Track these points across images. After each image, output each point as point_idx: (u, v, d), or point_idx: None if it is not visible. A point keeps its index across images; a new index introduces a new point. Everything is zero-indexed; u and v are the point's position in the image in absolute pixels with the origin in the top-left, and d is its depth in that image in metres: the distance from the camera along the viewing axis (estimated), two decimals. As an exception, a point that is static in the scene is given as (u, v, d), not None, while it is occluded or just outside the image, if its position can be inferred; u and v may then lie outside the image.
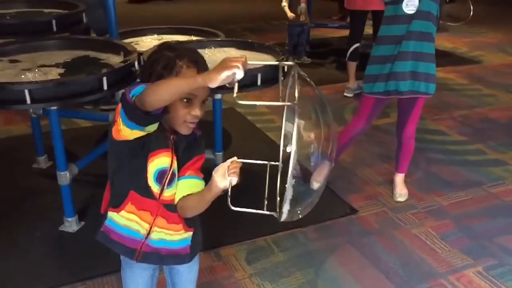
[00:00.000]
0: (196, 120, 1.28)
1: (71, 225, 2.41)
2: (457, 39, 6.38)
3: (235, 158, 1.20)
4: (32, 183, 2.87)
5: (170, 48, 1.30)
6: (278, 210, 1.21)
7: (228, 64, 1.07)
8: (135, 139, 1.26)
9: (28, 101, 1.89)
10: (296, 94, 1.11)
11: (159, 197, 1.33)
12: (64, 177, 2.34)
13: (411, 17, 2.32)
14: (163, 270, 1.56)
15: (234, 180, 1.19)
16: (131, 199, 1.36)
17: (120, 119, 1.20)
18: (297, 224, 2.50)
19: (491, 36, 6.70)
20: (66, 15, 2.68)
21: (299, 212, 1.31)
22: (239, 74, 1.08)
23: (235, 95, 1.11)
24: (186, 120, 1.26)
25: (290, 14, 4.97)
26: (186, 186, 1.31)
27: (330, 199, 2.75)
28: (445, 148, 3.42)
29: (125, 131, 1.23)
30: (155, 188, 1.32)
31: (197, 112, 1.25)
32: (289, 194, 1.12)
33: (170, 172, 1.31)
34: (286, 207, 1.15)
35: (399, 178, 2.77)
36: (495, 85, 4.73)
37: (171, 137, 1.30)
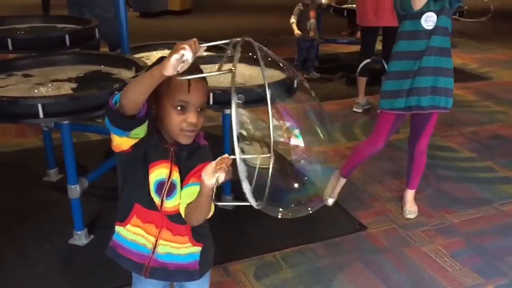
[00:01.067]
0: (193, 128, 1.25)
1: (80, 238, 2.42)
2: (467, 55, 6.38)
3: (226, 155, 1.15)
4: (42, 195, 2.89)
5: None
6: (262, 200, 1.13)
7: (176, 47, 1.05)
8: (135, 150, 1.26)
9: (41, 115, 1.91)
10: (235, 62, 1.05)
11: (161, 208, 1.33)
12: (75, 190, 2.35)
13: (430, 32, 2.32)
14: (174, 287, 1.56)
15: (222, 176, 1.12)
16: (136, 212, 1.36)
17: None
18: (305, 240, 2.50)
19: (501, 52, 6.70)
20: (79, 31, 2.72)
21: (291, 209, 1.27)
22: (187, 55, 1.03)
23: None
24: (183, 128, 1.23)
25: (297, 32, 5.01)
26: (188, 194, 1.28)
27: (339, 215, 2.74)
28: (455, 165, 3.40)
29: (116, 140, 1.24)
30: (156, 199, 1.32)
31: (192, 119, 1.22)
32: (241, 170, 1.05)
33: (169, 183, 1.30)
34: (245, 186, 1.07)
35: (410, 194, 2.75)
36: (505, 101, 4.71)
37: (171, 148, 1.29)
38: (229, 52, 1.12)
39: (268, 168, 1.15)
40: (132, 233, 1.39)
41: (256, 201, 1.11)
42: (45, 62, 2.52)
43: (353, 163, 2.76)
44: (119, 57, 2.67)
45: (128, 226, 1.38)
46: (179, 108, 1.22)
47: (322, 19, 5.56)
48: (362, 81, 4.35)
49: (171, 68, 1.04)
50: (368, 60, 4.26)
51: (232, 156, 1.12)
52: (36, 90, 2.14)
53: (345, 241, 2.51)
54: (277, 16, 8.19)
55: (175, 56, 1.03)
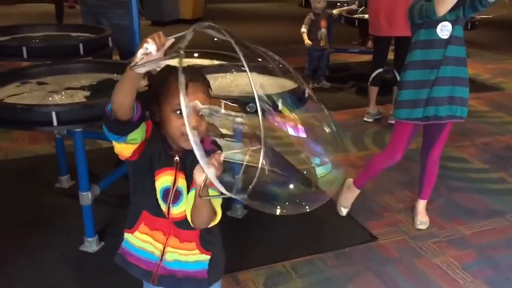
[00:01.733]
0: (194, 133, 1.16)
1: (91, 245, 2.43)
2: (479, 65, 6.34)
3: (218, 151, 1.14)
4: (54, 202, 2.91)
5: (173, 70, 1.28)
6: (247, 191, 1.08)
7: (141, 42, 1.05)
8: (141, 157, 1.27)
9: (55, 123, 1.93)
10: (185, 42, 1.01)
11: (168, 215, 1.33)
12: (86, 197, 2.37)
13: (447, 42, 2.32)
14: None
15: (211, 172, 1.07)
16: (144, 219, 1.37)
17: None
18: (315, 250, 2.49)
19: (513, 63, 6.66)
20: (93, 39, 2.76)
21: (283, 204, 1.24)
22: (150, 48, 1.03)
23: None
24: (183, 132, 1.20)
25: (307, 42, 5.01)
26: (192, 198, 1.28)
27: (349, 225, 2.73)
28: (467, 175, 3.37)
29: (116, 147, 1.25)
30: (162, 206, 1.33)
31: (193, 122, 1.17)
32: (196, 150, 1.02)
33: (174, 190, 1.30)
34: (208, 172, 1.04)
35: (422, 205, 2.73)
36: (518, 112, 4.68)
37: (176, 155, 1.30)
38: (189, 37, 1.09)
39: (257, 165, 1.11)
40: (140, 240, 1.39)
41: (246, 194, 1.07)
42: (59, 70, 2.55)
43: (368, 176, 2.74)
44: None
45: (136, 233, 1.39)
46: (178, 112, 1.21)
47: (333, 28, 5.58)
48: (373, 91, 4.34)
49: (139, 63, 1.04)
50: (380, 70, 4.26)
51: (223, 153, 1.12)
52: (50, 98, 2.17)
53: (355, 252, 2.50)
54: (288, 25, 8.22)
55: (141, 51, 1.03)
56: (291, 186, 1.27)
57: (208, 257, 1.41)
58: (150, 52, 1.04)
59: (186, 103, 0.98)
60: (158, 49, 1.05)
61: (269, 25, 9.54)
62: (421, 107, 2.41)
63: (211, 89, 1.28)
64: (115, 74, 2.58)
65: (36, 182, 3.16)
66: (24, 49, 2.58)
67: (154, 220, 1.36)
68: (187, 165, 1.30)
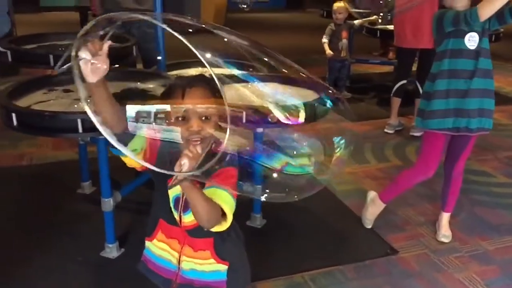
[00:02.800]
0: (197, 137, 1.20)
1: (111, 251, 2.45)
2: (502, 78, 6.25)
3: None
4: (75, 207, 2.95)
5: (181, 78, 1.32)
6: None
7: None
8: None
9: (80, 130, 1.96)
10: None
11: (180, 223, 1.34)
12: (108, 203, 2.39)
13: (477, 53, 2.31)
14: None
15: (186, 164, 1.08)
16: (161, 227, 1.39)
17: None
18: (335, 261, 2.47)
19: (537, 75, 6.55)
20: (118, 48, 2.80)
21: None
22: (82, 55, 1.05)
23: None
24: (187, 137, 1.20)
25: (328, 52, 5.01)
26: None
27: (370, 238, 2.70)
28: (490, 190, 3.31)
29: (125, 159, 1.24)
30: (175, 214, 1.33)
31: (194, 126, 1.18)
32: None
33: (184, 198, 1.30)
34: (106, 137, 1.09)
35: (445, 218, 2.69)
36: (542, 126, 4.59)
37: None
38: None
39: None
40: (159, 248, 1.41)
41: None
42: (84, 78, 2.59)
43: (397, 191, 2.70)
44: (155, 74, 2.73)
45: (155, 241, 1.40)
46: (180, 119, 1.19)
47: (354, 39, 5.57)
48: (396, 102, 4.31)
49: (83, 69, 1.07)
50: (404, 81, 4.24)
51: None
52: (75, 105, 2.21)
53: (375, 265, 2.47)
54: (308, 35, 8.23)
55: (79, 57, 1.06)
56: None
57: (225, 267, 1.41)
58: (84, 58, 1.06)
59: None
60: (94, 54, 1.06)
61: (290, 35, 9.57)
62: (451, 117, 2.38)
63: (212, 92, 1.24)
64: (138, 83, 2.62)
65: (59, 187, 3.21)
66: (51, 57, 2.63)
67: (170, 228, 1.37)
68: None
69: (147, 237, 1.43)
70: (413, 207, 3.04)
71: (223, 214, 1.25)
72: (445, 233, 2.67)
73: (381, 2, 4.85)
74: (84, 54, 1.06)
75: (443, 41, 2.38)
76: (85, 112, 2.12)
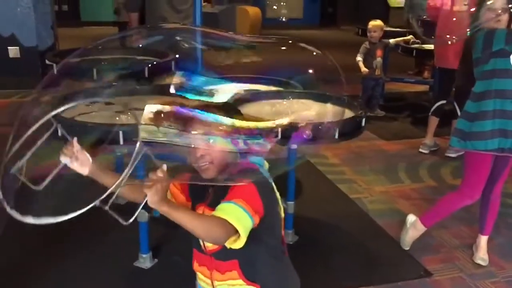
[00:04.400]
0: (203, 162, 1.26)
1: (145, 261, 2.50)
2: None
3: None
4: (110, 217, 3.01)
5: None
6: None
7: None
8: (185, 195, 1.35)
9: (121, 141, 2.02)
10: None
11: (205, 248, 1.36)
12: (143, 214, 2.44)
13: None
14: None
15: (149, 194, 1.16)
16: (195, 256, 1.42)
17: None
18: (368, 281, 2.44)
19: None
20: (158, 64, 2.88)
21: None
22: (63, 160, 1.31)
23: None
24: (196, 163, 1.26)
25: (364, 70, 5.01)
26: None
27: (403, 259, 2.66)
28: (529, 214, 3.22)
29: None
30: (200, 241, 1.36)
31: (196, 154, 1.25)
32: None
33: None
34: None
35: (484, 240, 2.63)
36: None
37: (209, 189, 1.33)
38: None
39: None
40: (199, 278, 1.45)
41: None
42: (125, 92, 2.67)
43: (441, 216, 2.66)
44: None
45: (197, 272, 1.44)
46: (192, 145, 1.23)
47: (389, 57, 5.55)
48: (434, 121, 4.25)
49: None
50: (444, 102, 4.18)
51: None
52: (117, 118, 2.28)
53: (409, 286, 2.43)
54: (342, 53, 8.21)
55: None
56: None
57: None
58: (65, 163, 1.30)
59: None
60: (71, 156, 1.30)
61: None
62: (496, 138, 2.33)
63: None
64: (176, 97, 2.67)
65: (94, 197, 3.28)
66: (94, 71, 2.72)
67: (200, 256, 1.40)
68: (219, 196, 1.29)
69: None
70: (448, 230, 2.98)
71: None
72: (483, 256, 2.61)
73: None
74: (63, 159, 1.28)
75: (489, 60, 2.34)
76: (127, 124, 2.19)
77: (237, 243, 1.27)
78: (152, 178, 1.14)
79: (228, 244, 1.28)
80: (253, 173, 1.31)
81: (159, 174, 1.14)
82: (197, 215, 1.25)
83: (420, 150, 4.26)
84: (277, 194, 1.40)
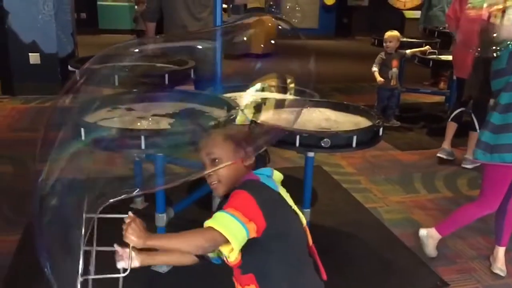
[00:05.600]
0: (210, 180, 1.43)
1: (162, 265, 2.52)
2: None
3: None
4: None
5: None
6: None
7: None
8: None
9: (143, 146, 2.07)
10: None
11: (228, 262, 1.39)
12: (162, 219, 2.49)
13: None
14: None
15: (129, 239, 1.34)
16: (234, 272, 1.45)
17: None
18: (383, 291, 2.44)
19: None
20: (177, 71, 2.93)
21: None
22: (120, 265, 1.44)
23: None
24: (209, 183, 1.44)
25: (379, 79, 5.01)
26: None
27: (419, 268, 2.66)
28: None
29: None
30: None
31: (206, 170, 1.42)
32: None
33: None
34: None
35: (501, 251, 2.63)
36: None
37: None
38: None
39: None
40: None
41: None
42: (145, 98, 2.73)
43: (459, 225, 2.68)
44: (212, 96, 2.83)
45: None
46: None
47: (406, 68, 5.55)
48: (452, 127, 4.22)
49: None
50: (463, 109, 4.17)
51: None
52: (139, 123, 2.33)
53: (424, 296, 2.43)
54: (358, 63, 8.25)
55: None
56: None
57: None
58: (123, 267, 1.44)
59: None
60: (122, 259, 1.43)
61: (339, 62, 9.59)
62: None
63: (224, 136, 1.46)
64: (196, 104, 2.72)
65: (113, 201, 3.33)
66: (116, 77, 2.78)
67: (234, 270, 1.44)
68: (217, 208, 1.41)
69: None
70: (464, 240, 2.96)
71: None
72: (501, 267, 2.60)
73: None
74: (119, 265, 1.42)
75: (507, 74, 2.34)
76: (147, 130, 2.24)
77: (234, 252, 1.32)
78: (125, 225, 1.33)
79: (226, 253, 1.33)
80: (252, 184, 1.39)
81: (127, 219, 1.34)
82: (175, 234, 1.35)
83: (438, 155, 4.24)
84: (289, 202, 1.44)
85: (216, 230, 1.27)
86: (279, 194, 1.40)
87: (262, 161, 1.49)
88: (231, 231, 1.27)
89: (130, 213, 1.32)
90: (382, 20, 11.40)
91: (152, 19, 3.93)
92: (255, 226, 1.30)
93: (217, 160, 1.40)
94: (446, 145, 4.27)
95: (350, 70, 8.44)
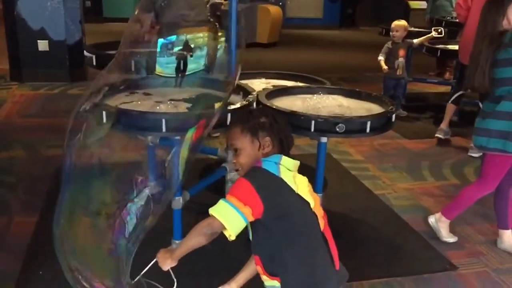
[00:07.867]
0: (235, 167, 1.62)
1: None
2: None
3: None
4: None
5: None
6: None
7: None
8: None
9: (164, 129, 2.12)
10: None
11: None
12: (178, 202, 2.54)
13: None
14: None
15: (165, 265, 1.61)
16: None
17: None
18: (394, 273, 2.51)
19: None
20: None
21: None
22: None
23: None
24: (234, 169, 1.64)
25: (384, 67, 5.02)
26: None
27: (428, 252, 2.72)
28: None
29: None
30: None
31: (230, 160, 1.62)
32: None
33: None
34: None
35: (507, 234, 2.72)
36: None
37: None
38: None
39: None
40: None
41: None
42: (161, 83, 2.77)
43: (461, 208, 2.76)
44: (228, 82, 2.86)
45: None
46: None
47: (413, 57, 5.57)
48: (451, 108, 4.41)
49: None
50: (463, 92, 4.28)
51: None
52: (158, 107, 2.37)
53: (434, 279, 2.49)
54: (365, 53, 8.26)
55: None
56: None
57: (276, 283, 1.48)
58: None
59: None
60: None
61: (345, 52, 9.61)
62: None
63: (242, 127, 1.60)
64: (211, 90, 2.76)
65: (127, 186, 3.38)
66: (133, 62, 2.82)
67: None
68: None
69: None
70: (472, 226, 3.03)
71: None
72: (510, 245, 2.70)
73: None
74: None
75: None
76: (168, 113, 2.29)
77: (227, 231, 1.45)
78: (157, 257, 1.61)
79: (227, 235, 1.46)
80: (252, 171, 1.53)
81: (157, 258, 1.61)
82: (185, 238, 1.56)
83: (437, 135, 4.42)
84: (299, 187, 1.52)
85: (212, 216, 1.45)
86: (281, 179, 1.49)
87: (284, 147, 1.60)
88: (224, 216, 1.43)
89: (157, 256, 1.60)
90: (386, 10, 11.40)
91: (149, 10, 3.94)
92: (250, 209, 1.42)
93: (238, 150, 1.58)
94: (444, 125, 4.42)
95: (355, 60, 8.45)
